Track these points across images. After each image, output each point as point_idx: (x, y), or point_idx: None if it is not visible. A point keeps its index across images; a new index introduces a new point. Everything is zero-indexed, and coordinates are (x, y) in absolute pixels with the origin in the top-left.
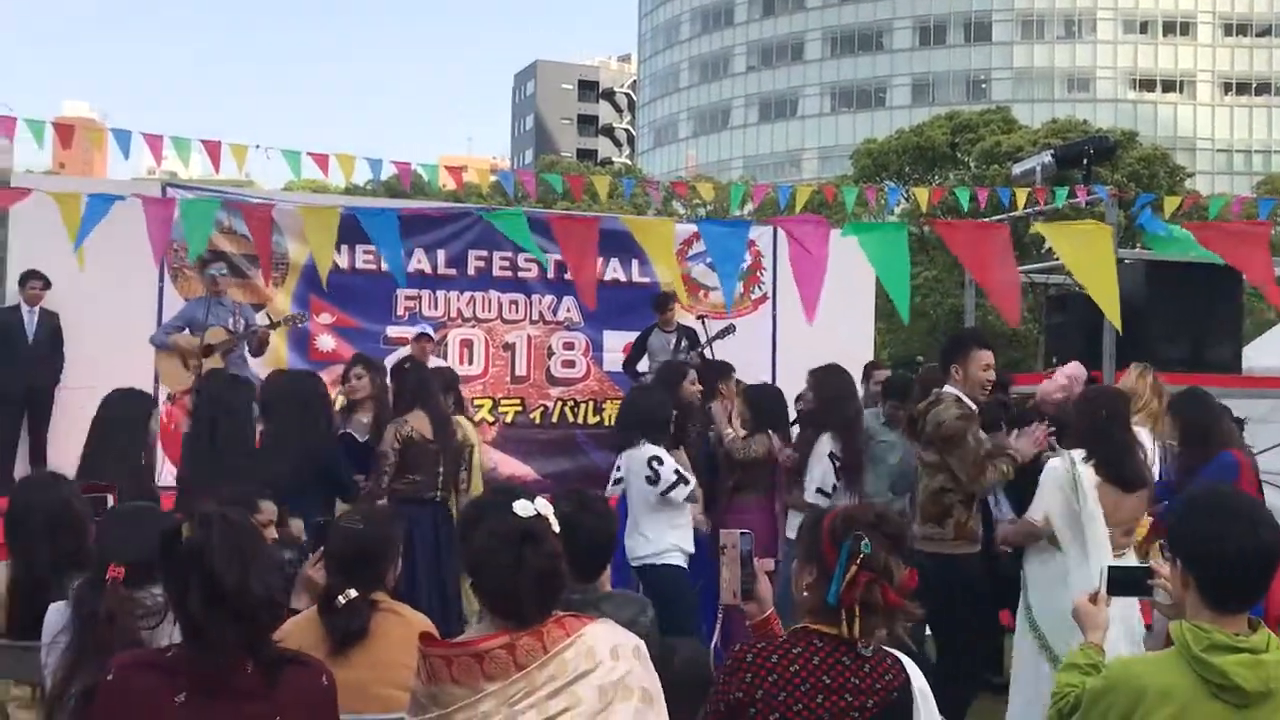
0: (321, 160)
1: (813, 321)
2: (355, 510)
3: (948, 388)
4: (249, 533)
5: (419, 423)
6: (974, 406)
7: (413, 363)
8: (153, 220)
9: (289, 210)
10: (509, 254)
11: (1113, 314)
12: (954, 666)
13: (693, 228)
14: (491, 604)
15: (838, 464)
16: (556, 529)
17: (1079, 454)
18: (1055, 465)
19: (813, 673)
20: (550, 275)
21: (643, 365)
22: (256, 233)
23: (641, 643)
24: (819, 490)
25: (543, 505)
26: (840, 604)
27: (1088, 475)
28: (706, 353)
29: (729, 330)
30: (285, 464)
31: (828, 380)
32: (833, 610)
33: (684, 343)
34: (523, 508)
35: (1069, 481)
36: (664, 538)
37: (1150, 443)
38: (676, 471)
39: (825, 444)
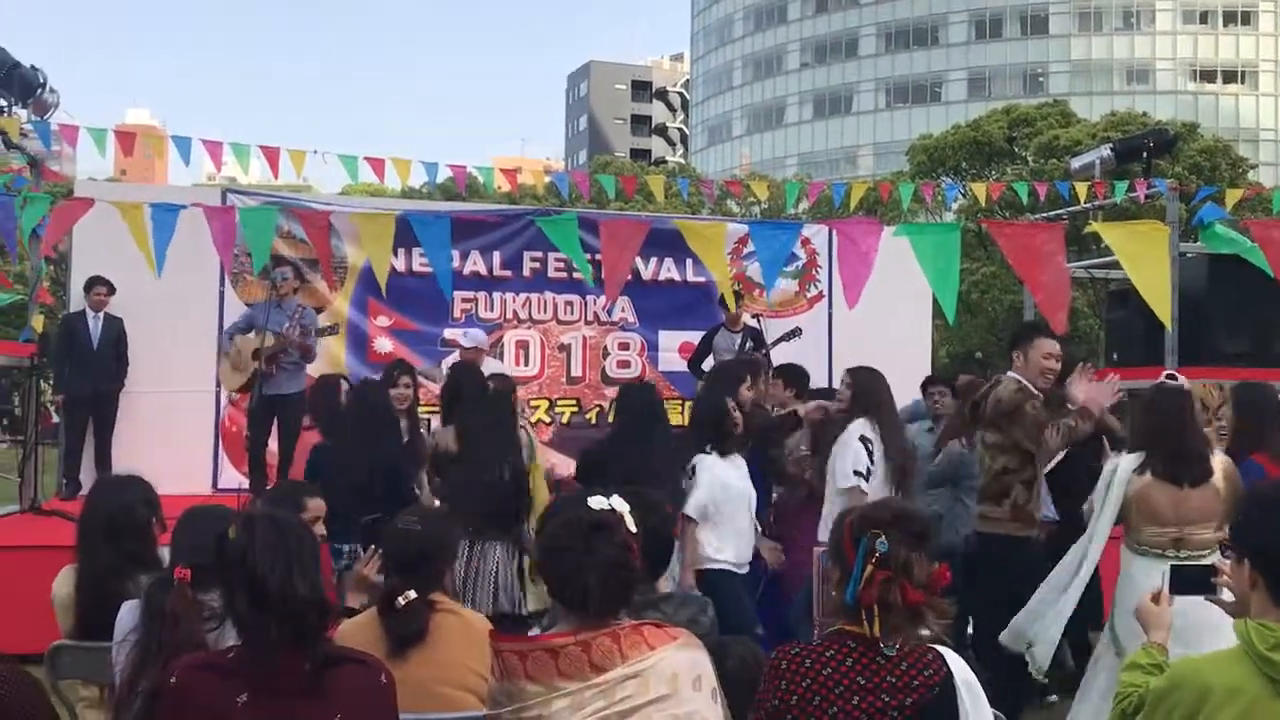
0: (378, 165)
1: (853, 308)
2: (412, 511)
3: (1008, 373)
4: (293, 532)
5: (446, 437)
6: (1034, 390)
7: (454, 372)
8: (217, 229)
9: (346, 215)
10: (564, 255)
11: (1164, 314)
12: (993, 648)
13: (745, 227)
14: (560, 594)
15: (870, 447)
16: (632, 527)
17: (1132, 458)
18: (1107, 464)
19: (846, 674)
20: (605, 276)
21: (708, 364)
22: (315, 238)
23: (716, 685)
24: (855, 472)
25: (618, 502)
26: (859, 603)
27: (1122, 477)
28: (772, 354)
29: (796, 333)
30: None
31: (860, 375)
32: (854, 610)
33: (749, 343)
34: (597, 501)
35: (1104, 483)
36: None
37: None
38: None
39: (855, 429)
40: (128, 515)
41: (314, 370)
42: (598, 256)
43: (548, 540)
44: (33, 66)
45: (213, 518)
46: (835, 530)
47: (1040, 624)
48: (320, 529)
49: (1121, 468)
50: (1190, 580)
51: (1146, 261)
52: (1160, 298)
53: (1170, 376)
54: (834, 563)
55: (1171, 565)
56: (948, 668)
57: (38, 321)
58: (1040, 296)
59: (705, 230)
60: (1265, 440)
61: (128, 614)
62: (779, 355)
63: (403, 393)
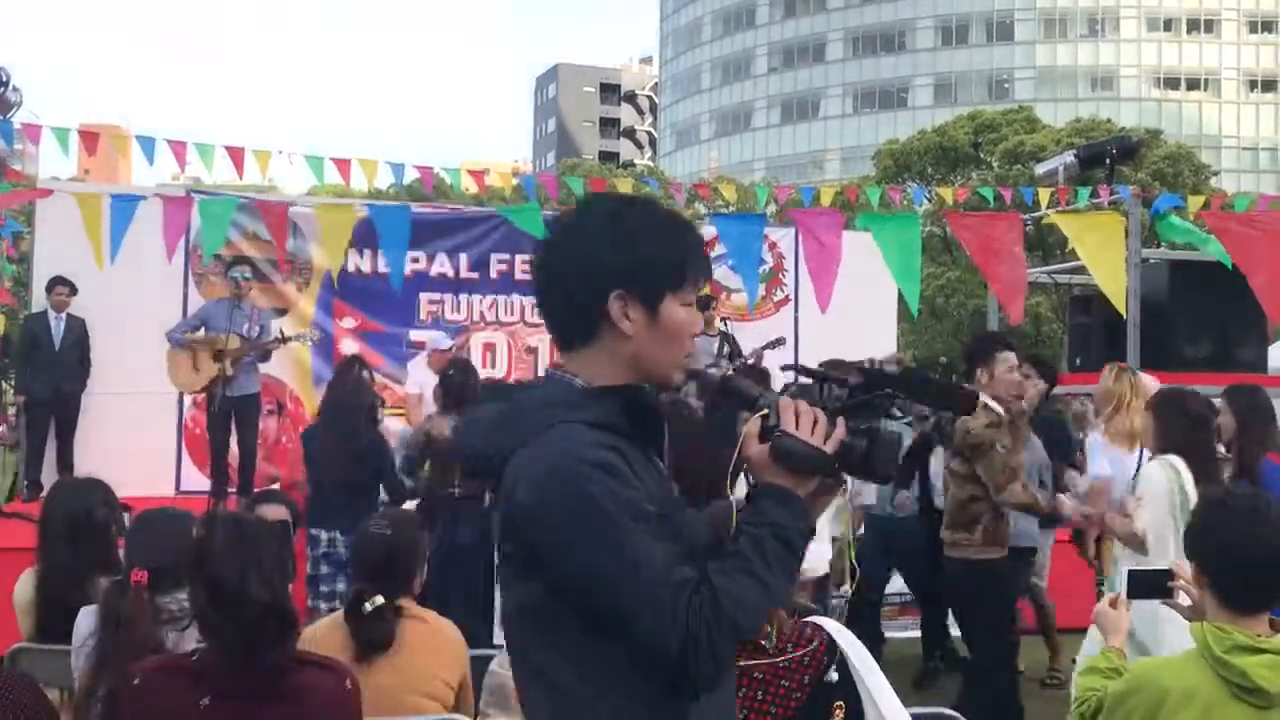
0: (344, 165)
1: (826, 311)
2: (382, 516)
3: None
4: (256, 534)
5: (440, 424)
6: (1002, 412)
7: (456, 367)
8: (171, 219)
9: (310, 215)
10: (529, 256)
11: (1118, 300)
12: (987, 667)
13: (713, 230)
14: None
15: None
16: None
17: (1177, 460)
18: (1156, 473)
19: (742, 674)
20: None
21: None
22: (274, 230)
23: None
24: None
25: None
26: None
27: (1190, 482)
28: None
29: (779, 342)
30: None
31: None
32: None
33: (726, 348)
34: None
35: (1175, 490)
36: None
37: (1133, 453)
38: None
39: None
40: (87, 518)
41: (276, 370)
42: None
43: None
44: None
45: (169, 520)
46: None
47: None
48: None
49: (1188, 480)
50: (1148, 584)
51: (1102, 249)
52: (1115, 284)
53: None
54: None
55: (1129, 569)
56: (825, 634)
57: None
58: (997, 286)
59: None
60: (1272, 439)
61: (86, 619)
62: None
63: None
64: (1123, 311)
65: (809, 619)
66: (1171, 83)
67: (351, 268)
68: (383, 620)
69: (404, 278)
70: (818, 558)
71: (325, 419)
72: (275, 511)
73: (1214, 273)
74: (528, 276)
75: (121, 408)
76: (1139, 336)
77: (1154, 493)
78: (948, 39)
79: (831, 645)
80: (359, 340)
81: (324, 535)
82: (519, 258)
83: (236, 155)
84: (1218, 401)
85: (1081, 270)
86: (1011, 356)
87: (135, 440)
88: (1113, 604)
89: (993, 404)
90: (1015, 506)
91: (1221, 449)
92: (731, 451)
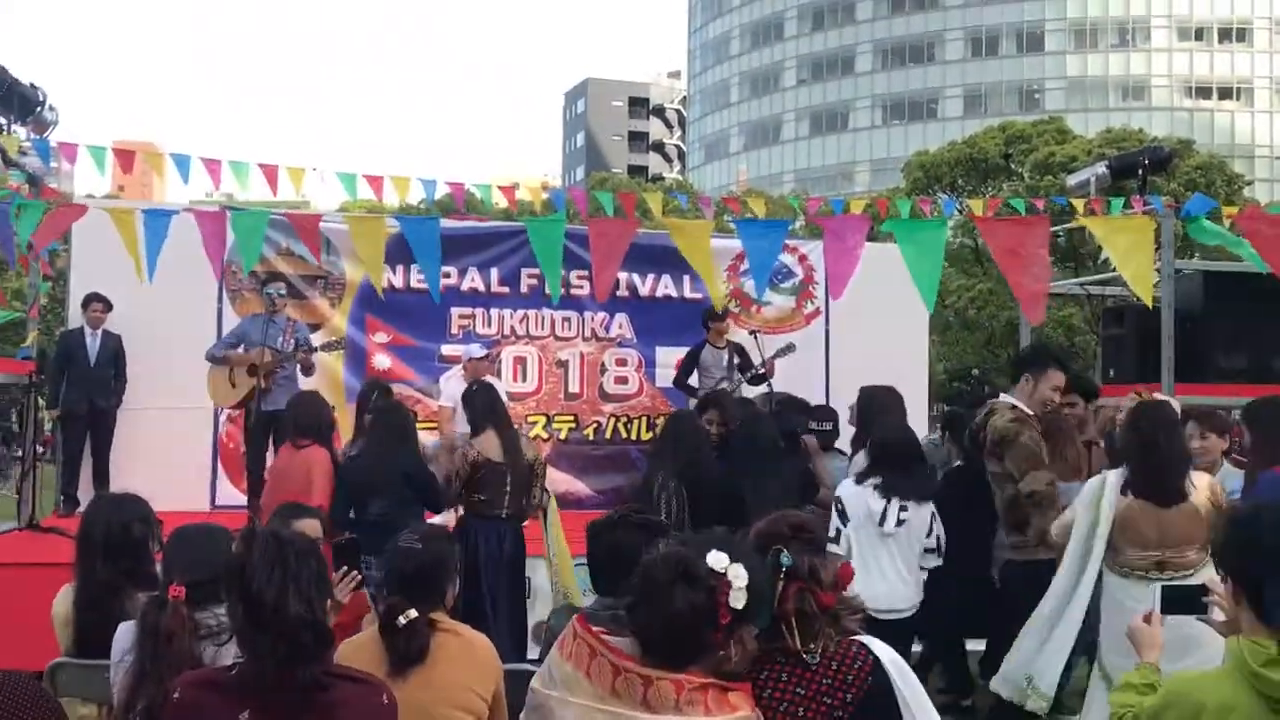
0: (376, 182)
1: (838, 299)
2: (414, 530)
3: (1004, 396)
4: (293, 552)
5: (487, 444)
6: (1029, 412)
7: (480, 385)
8: (208, 235)
9: (343, 230)
10: (562, 272)
11: (1147, 299)
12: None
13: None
14: (631, 622)
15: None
16: (735, 599)
17: (1118, 473)
18: (1091, 481)
19: (785, 690)
20: (594, 275)
21: (694, 380)
22: (308, 243)
23: None
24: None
25: (735, 570)
26: (776, 619)
27: (1111, 493)
28: (775, 367)
29: (789, 349)
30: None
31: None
32: (771, 626)
33: (736, 359)
34: (715, 559)
35: (1095, 498)
36: None
37: None
38: None
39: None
40: (124, 533)
41: (310, 385)
42: (580, 274)
43: (641, 567)
44: (32, 84)
45: (206, 535)
46: None
47: (1040, 659)
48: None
49: (1110, 484)
50: (1181, 599)
51: (1131, 251)
52: (1143, 285)
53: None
54: None
55: (1162, 585)
56: (874, 655)
57: (35, 338)
58: (1020, 289)
59: (691, 228)
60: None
61: (124, 635)
62: (777, 372)
63: None
64: (1148, 300)
65: (856, 638)
66: (1203, 92)
67: (384, 283)
68: (416, 634)
69: (423, 290)
70: (900, 598)
71: (372, 446)
72: (309, 526)
73: (1249, 283)
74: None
75: (157, 423)
76: (1173, 348)
77: (1081, 496)
78: (977, 50)
79: (877, 665)
80: (391, 354)
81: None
82: None
83: (270, 173)
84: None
85: (1114, 282)
86: (1060, 376)
87: (170, 455)
88: (1146, 620)
89: (1021, 406)
90: (1035, 497)
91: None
92: None
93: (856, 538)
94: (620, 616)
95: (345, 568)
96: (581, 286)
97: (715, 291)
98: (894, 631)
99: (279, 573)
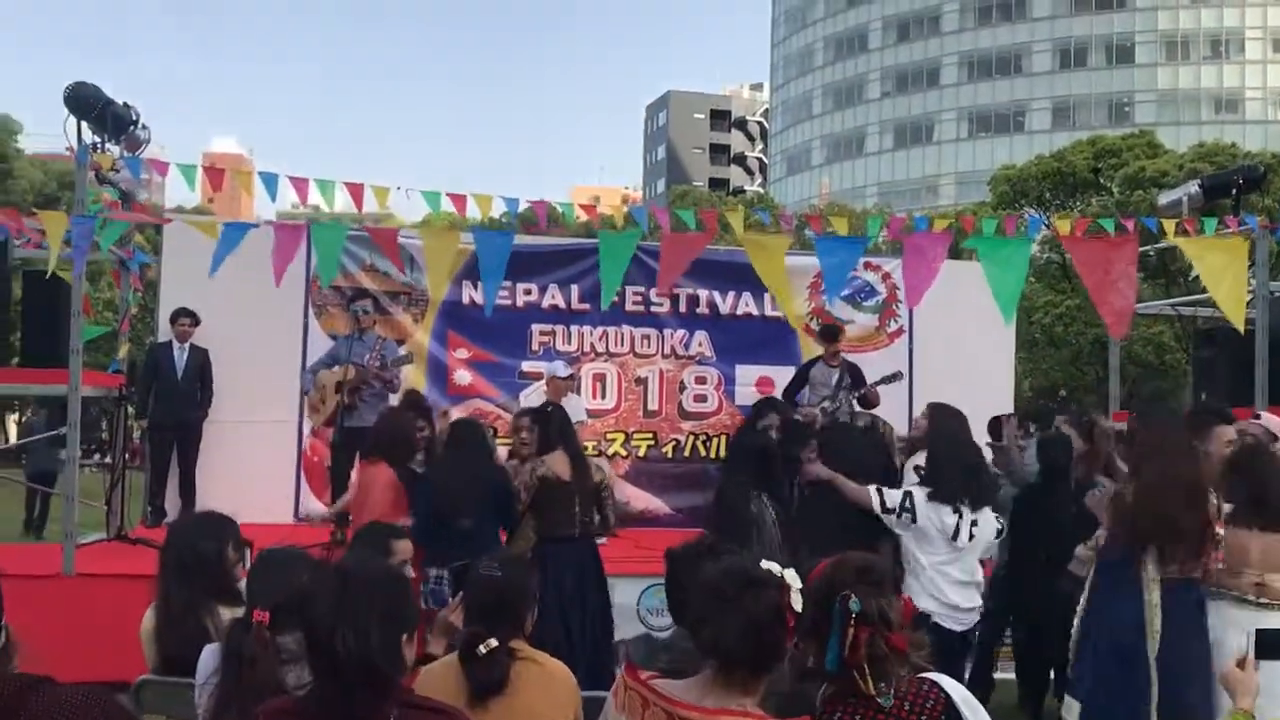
0: (459, 200)
1: (914, 307)
2: (493, 557)
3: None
4: (365, 585)
5: (557, 463)
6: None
7: (555, 405)
8: (279, 245)
9: (421, 246)
10: (641, 289)
11: (1238, 322)
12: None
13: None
14: (698, 638)
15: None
16: (795, 601)
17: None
18: None
19: None
20: (683, 310)
21: (802, 395)
22: (389, 255)
23: None
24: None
25: (790, 575)
26: (848, 665)
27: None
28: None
29: (896, 376)
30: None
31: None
32: (842, 671)
33: (847, 379)
34: (770, 565)
35: None
36: None
37: None
38: None
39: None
40: (199, 554)
41: (393, 401)
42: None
43: (701, 586)
44: (125, 104)
45: (289, 559)
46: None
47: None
48: (409, 571)
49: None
50: (1276, 644)
51: (1223, 271)
52: (1235, 306)
53: (1255, 417)
54: (807, 633)
55: (1256, 629)
56: (945, 692)
57: (125, 351)
58: (1105, 308)
59: (767, 243)
60: None
61: (210, 657)
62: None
63: (524, 438)
64: (1240, 325)
65: (926, 674)
66: None
67: (465, 299)
68: (496, 663)
69: (505, 307)
70: (965, 609)
71: (452, 461)
72: (404, 548)
73: None
74: (638, 308)
75: (242, 435)
76: (1267, 372)
77: None
78: (1065, 62)
79: (950, 703)
80: (472, 370)
81: (433, 572)
82: (630, 289)
83: (355, 190)
84: None
85: (1206, 303)
86: (1230, 431)
87: (255, 467)
88: (1240, 665)
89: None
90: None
91: None
92: None
93: (922, 548)
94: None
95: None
96: (661, 304)
97: (789, 308)
98: (960, 640)
99: (336, 611)
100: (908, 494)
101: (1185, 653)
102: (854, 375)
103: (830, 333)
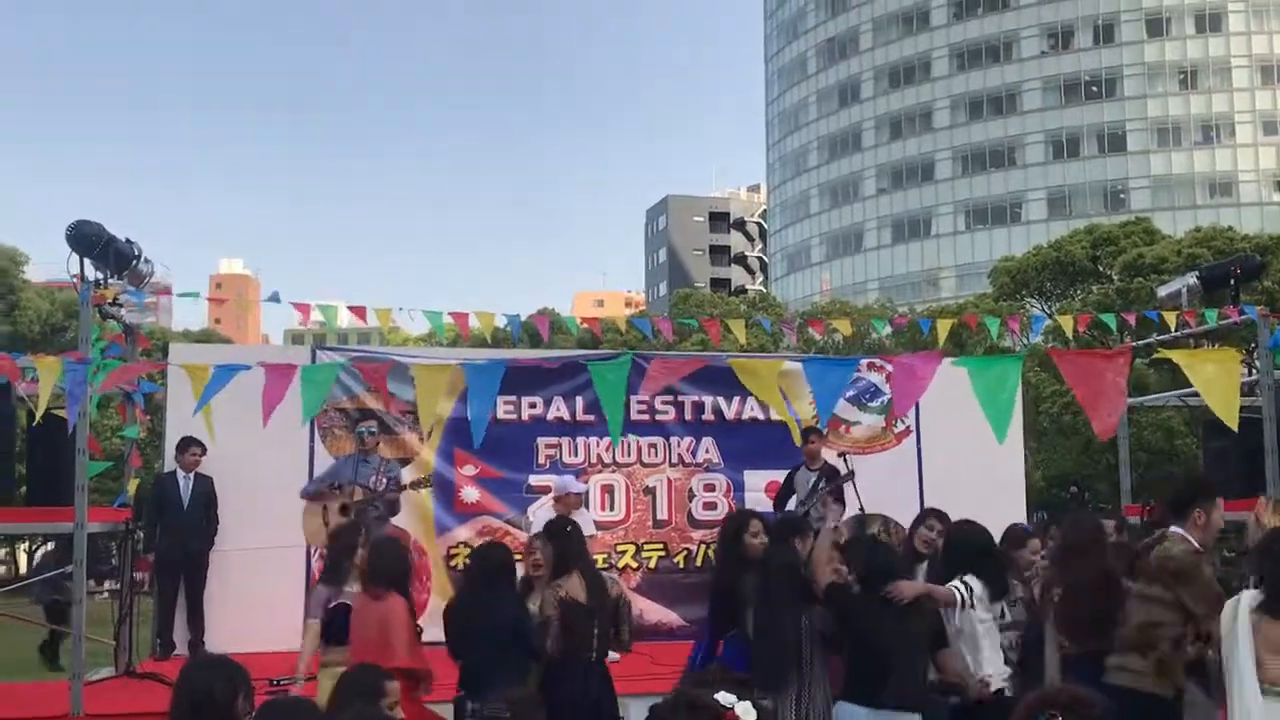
0: (461, 319)
1: (901, 416)
2: (500, 696)
3: (1175, 529)
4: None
5: (574, 586)
6: (1199, 549)
7: (572, 524)
8: (268, 386)
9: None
10: (645, 398)
11: (1233, 424)
12: None
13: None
14: None
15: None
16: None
17: (1252, 594)
18: (1226, 605)
19: None
20: (688, 417)
21: (791, 504)
22: (377, 385)
23: None
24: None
25: (744, 707)
26: None
27: (1245, 611)
28: (841, 494)
29: (849, 477)
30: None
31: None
32: None
33: (822, 481)
34: (723, 697)
35: (1230, 616)
36: None
37: None
38: None
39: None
40: (209, 697)
41: (401, 521)
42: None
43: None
44: (128, 240)
45: (293, 710)
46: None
47: None
48: (399, 713)
49: (1242, 610)
50: None
51: (1216, 379)
52: (1229, 412)
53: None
54: None
55: None
56: None
57: (132, 486)
58: (1093, 416)
59: (757, 367)
60: None
61: None
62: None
63: (537, 558)
64: (1232, 425)
65: None
66: None
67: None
68: None
69: (510, 421)
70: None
71: (471, 593)
72: (394, 689)
73: None
74: (643, 417)
75: (250, 562)
76: (1276, 460)
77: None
78: (1059, 152)
79: None
80: (479, 487)
81: (470, 705)
82: (634, 398)
83: (359, 312)
84: None
85: None
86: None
87: (264, 594)
88: None
89: (1192, 540)
90: (1210, 640)
91: None
92: None
93: (977, 627)
94: None
95: None
96: (666, 412)
97: (790, 420)
98: (1007, 706)
99: None
100: (968, 585)
101: None
102: (829, 475)
103: (802, 435)
